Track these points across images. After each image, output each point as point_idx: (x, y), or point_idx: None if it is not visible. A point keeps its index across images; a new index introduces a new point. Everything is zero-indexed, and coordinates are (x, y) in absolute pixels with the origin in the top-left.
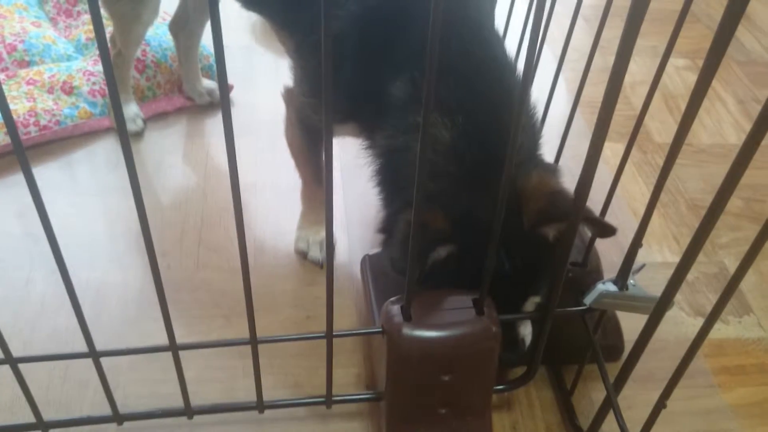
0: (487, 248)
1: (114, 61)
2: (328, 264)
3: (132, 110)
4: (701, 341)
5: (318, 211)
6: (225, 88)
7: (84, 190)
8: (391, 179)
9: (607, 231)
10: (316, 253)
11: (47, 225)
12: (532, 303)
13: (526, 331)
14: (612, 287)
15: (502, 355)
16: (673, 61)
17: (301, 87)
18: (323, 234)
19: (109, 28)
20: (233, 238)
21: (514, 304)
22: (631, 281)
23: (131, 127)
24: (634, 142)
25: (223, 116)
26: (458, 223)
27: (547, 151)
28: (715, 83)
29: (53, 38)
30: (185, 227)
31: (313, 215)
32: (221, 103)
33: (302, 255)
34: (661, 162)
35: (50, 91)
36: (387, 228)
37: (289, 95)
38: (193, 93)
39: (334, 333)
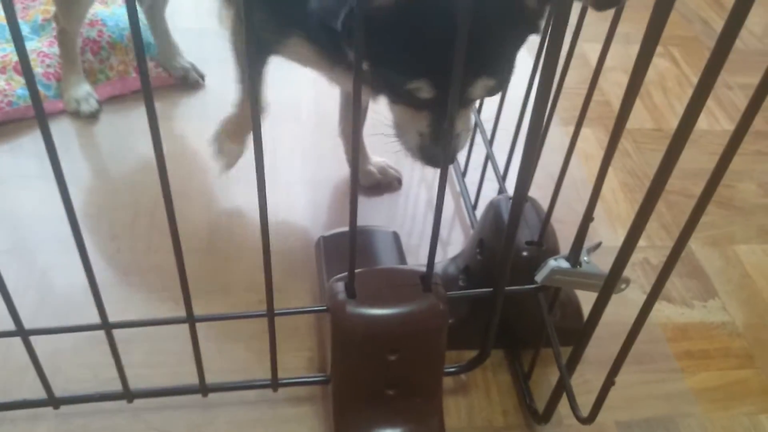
0: None
1: (59, 39)
2: (264, 240)
3: (84, 90)
4: (650, 307)
5: (242, 129)
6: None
7: (34, 173)
8: None
9: None
10: (223, 162)
11: None
12: (483, 86)
13: (465, 126)
14: (564, 264)
15: (432, 149)
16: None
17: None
18: (241, 149)
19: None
20: (188, 220)
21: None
22: (585, 258)
23: (84, 107)
24: (587, 106)
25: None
26: None
27: (507, 129)
28: (686, 69)
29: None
30: (138, 210)
31: (232, 126)
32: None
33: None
34: (629, 147)
35: (2, 71)
36: None
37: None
38: (168, 67)
39: (276, 311)
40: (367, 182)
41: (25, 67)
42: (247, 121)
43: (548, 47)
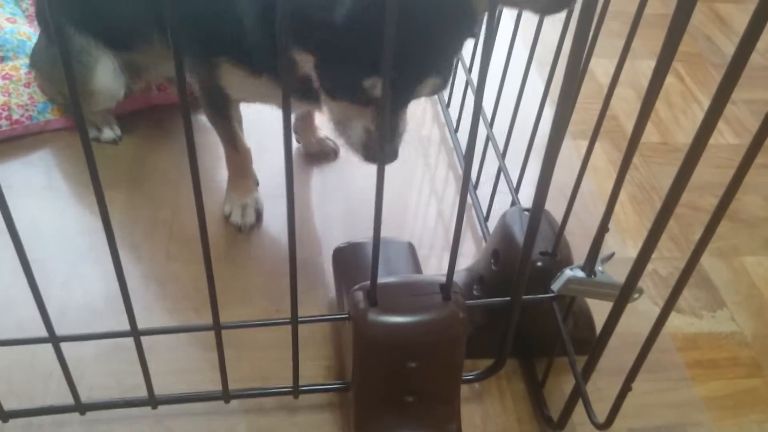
0: None
1: None
2: (290, 249)
3: (103, 117)
4: (664, 319)
5: (241, 174)
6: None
7: (55, 184)
8: None
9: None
10: (237, 217)
11: (7, 215)
12: (430, 84)
13: (405, 125)
14: (580, 273)
15: (375, 146)
16: (650, 63)
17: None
18: (247, 198)
19: None
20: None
21: (410, 78)
22: (599, 268)
23: (107, 134)
24: (599, 127)
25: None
26: None
27: (519, 142)
28: (691, 85)
29: (28, 34)
30: (156, 222)
31: (237, 179)
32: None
33: (227, 218)
34: (637, 161)
35: (27, 85)
36: None
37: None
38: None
39: (299, 319)
40: (306, 150)
41: (72, 90)
42: (240, 163)
43: (569, 63)
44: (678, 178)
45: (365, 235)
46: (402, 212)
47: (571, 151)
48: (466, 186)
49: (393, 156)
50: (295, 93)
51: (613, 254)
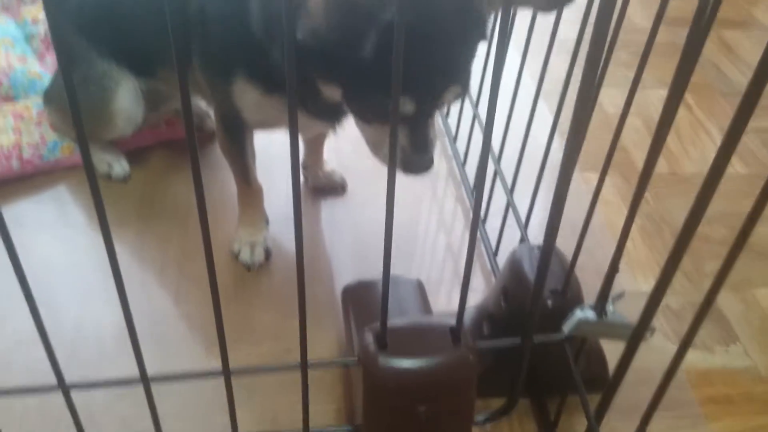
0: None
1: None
2: (300, 295)
3: (114, 152)
4: (680, 360)
5: (252, 212)
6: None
7: (66, 223)
8: None
9: None
10: (246, 256)
11: (14, 257)
12: (452, 93)
13: (434, 133)
14: (590, 314)
15: (412, 158)
16: (658, 92)
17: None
18: (257, 236)
19: None
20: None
21: (435, 89)
22: (610, 308)
23: (117, 170)
24: (609, 163)
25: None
26: None
27: (527, 175)
28: (699, 114)
29: (39, 73)
30: (165, 261)
31: (247, 217)
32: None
33: (236, 257)
34: (647, 193)
35: (38, 124)
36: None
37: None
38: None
39: (309, 363)
40: (313, 184)
41: (81, 137)
42: (251, 200)
43: (578, 98)
44: (692, 213)
45: (375, 269)
46: (410, 245)
47: (579, 184)
48: (475, 228)
49: (429, 163)
50: (310, 113)
51: (623, 293)
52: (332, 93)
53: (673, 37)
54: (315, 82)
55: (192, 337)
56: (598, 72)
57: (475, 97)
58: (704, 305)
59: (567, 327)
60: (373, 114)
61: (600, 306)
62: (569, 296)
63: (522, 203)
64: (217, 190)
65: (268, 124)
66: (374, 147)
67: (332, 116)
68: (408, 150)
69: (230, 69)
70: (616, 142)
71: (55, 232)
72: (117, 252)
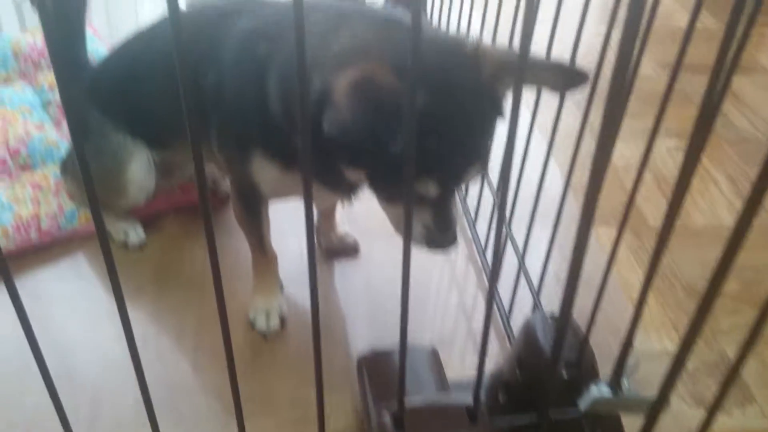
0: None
1: None
2: (317, 379)
3: (129, 219)
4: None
5: (267, 279)
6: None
7: (83, 294)
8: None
9: (578, 77)
10: (262, 323)
11: (30, 334)
12: (475, 170)
13: (456, 210)
14: (605, 390)
15: (437, 236)
16: (665, 142)
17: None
18: (272, 304)
19: None
20: (231, 340)
21: (457, 170)
22: (626, 383)
23: (133, 239)
24: (625, 226)
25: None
26: (405, 75)
27: (541, 236)
28: (706, 163)
29: (56, 141)
30: (182, 331)
31: (262, 284)
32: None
33: (252, 325)
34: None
35: (56, 194)
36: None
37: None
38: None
39: None
40: (326, 246)
41: (94, 209)
42: (265, 267)
43: (594, 160)
44: (716, 275)
45: (390, 332)
46: (422, 304)
47: (590, 240)
48: (490, 310)
49: (453, 240)
50: (327, 186)
51: (638, 364)
52: (356, 176)
53: (681, 85)
54: (336, 163)
55: (210, 408)
56: (618, 127)
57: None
58: (730, 376)
59: (583, 404)
60: (398, 196)
61: (615, 381)
62: (584, 367)
63: (532, 261)
64: (233, 255)
65: (284, 195)
66: (398, 226)
67: (348, 190)
68: (432, 228)
69: (248, 146)
70: (631, 206)
71: (73, 303)
72: (133, 321)
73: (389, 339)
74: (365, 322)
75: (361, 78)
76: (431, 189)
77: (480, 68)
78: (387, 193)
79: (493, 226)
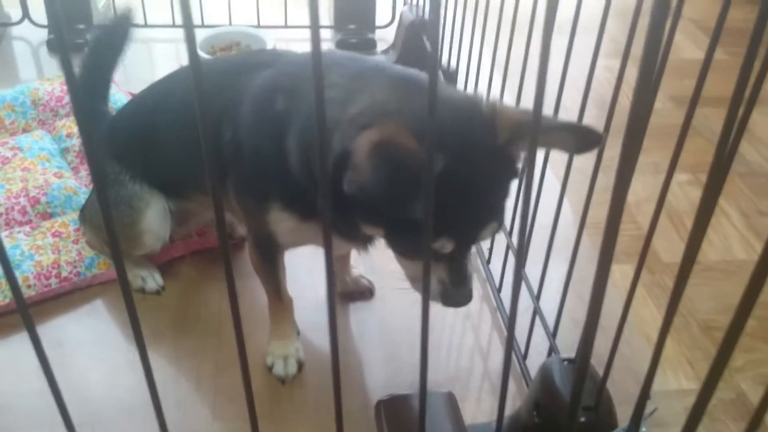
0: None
1: None
2: (337, 424)
3: (147, 266)
4: None
5: (284, 324)
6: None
7: (103, 341)
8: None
9: (591, 137)
10: (280, 369)
11: (53, 383)
12: (490, 230)
13: (471, 267)
14: None
15: (452, 292)
16: (676, 177)
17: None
18: (290, 349)
19: None
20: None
21: (474, 229)
22: (644, 429)
23: (151, 285)
24: (642, 266)
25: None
26: (421, 137)
27: (556, 275)
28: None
29: (74, 188)
30: (200, 376)
31: (279, 330)
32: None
33: (269, 370)
34: (670, 283)
35: (75, 242)
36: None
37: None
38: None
39: None
40: (341, 289)
41: (116, 256)
42: (282, 313)
43: (612, 202)
44: (739, 311)
45: (406, 375)
46: (436, 346)
47: None
48: (508, 367)
49: (468, 297)
50: (343, 237)
51: (655, 410)
52: (374, 232)
53: (692, 120)
54: (354, 218)
55: None
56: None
57: None
58: (754, 420)
59: None
60: (415, 252)
61: (634, 428)
62: (601, 411)
63: (544, 297)
64: (248, 298)
65: (301, 244)
66: (414, 281)
67: (365, 240)
68: (447, 284)
69: (266, 198)
70: (647, 249)
71: (93, 350)
72: (153, 368)
73: (404, 379)
74: (380, 364)
75: (381, 140)
76: (447, 247)
77: (496, 131)
78: (403, 248)
79: (508, 266)
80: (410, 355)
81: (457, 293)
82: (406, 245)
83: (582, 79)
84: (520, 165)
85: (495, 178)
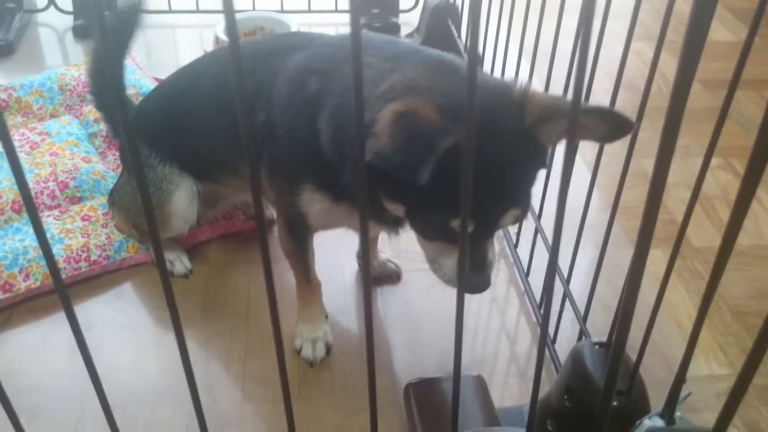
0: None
1: None
2: (371, 407)
3: (175, 250)
4: None
5: (312, 308)
6: None
7: (131, 323)
8: (350, 105)
9: (623, 125)
10: (308, 351)
11: (90, 366)
12: (512, 216)
13: (493, 254)
14: (659, 422)
15: (470, 277)
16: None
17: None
18: (318, 332)
19: None
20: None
21: (495, 212)
22: (678, 413)
23: (179, 268)
24: (676, 255)
25: None
26: (447, 114)
27: (582, 259)
28: None
29: (102, 173)
30: (230, 359)
31: (307, 313)
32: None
33: (297, 353)
34: (701, 268)
35: (105, 225)
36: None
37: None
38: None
39: None
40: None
41: (155, 239)
42: (311, 296)
43: (650, 189)
44: None
45: (433, 358)
46: (464, 330)
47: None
48: (541, 362)
49: (486, 284)
50: (374, 220)
51: (689, 394)
52: (396, 210)
53: (718, 102)
54: (380, 199)
55: None
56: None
57: None
58: None
59: None
60: (432, 232)
61: (668, 413)
62: (634, 397)
63: (573, 285)
64: (277, 283)
65: (331, 227)
66: (432, 263)
67: (394, 223)
68: (467, 269)
69: (298, 179)
70: (680, 240)
71: (122, 333)
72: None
73: (429, 362)
74: (405, 347)
75: (404, 109)
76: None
77: (524, 113)
78: (423, 227)
79: (536, 250)
80: (434, 339)
81: (474, 278)
82: (425, 224)
83: (609, 63)
84: (548, 152)
85: (519, 161)
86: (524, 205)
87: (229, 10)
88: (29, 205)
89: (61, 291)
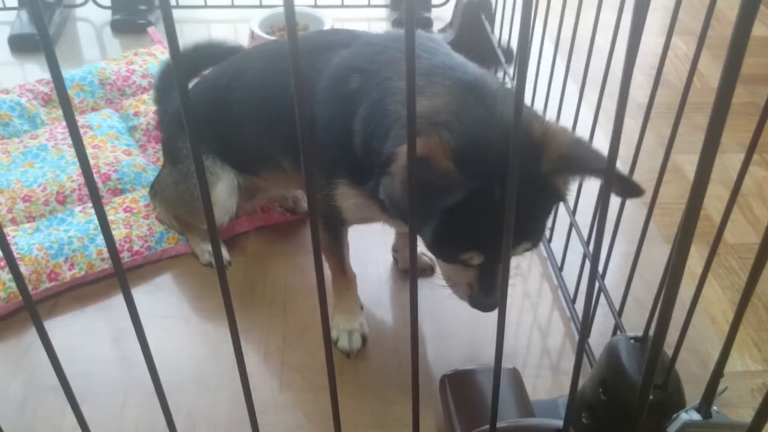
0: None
1: None
2: (414, 396)
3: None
4: None
5: (348, 300)
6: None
7: (172, 312)
8: (381, 114)
9: (635, 191)
10: (345, 342)
11: (146, 350)
12: (522, 249)
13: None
14: (695, 416)
15: (479, 296)
16: (739, 156)
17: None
18: (354, 323)
19: None
20: (315, 357)
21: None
22: (714, 407)
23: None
24: (714, 254)
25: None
26: (464, 156)
27: (615, 253)
28: None
29: (143, 166)
30: (267, 348)
31: (343, 305)
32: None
33: (334, 344)
34: (735, 264)
35: (146, 217)
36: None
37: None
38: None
39: None
40: (403, 266)
41: (212, 229)
42: (346, 288)
43: (693, 186)
44: None
45: (461, 353)
46: (495, 325)
47: (665, 258)
48: (581, 353)
49: (495, 305)
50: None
51: (725, 389)
52: None
53: (753, 97)
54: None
55: (297, 426)
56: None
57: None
58: None
59: (672, 429)
60: (445, 259)
61: (705, 407)
62: (670, 391)
63: (609, 281)
64: (312, 274)
65: (366, 221)
66: (448, 281)
67: None
68: (476, 289)
69: (334, 173)
70: (719, 239)
71: (164, 322)
72: (223, 341)
73: (458, 354)
74: (436, 339)
75: (418, 155)
76: (475, 259)
77: (541, 158)
78: (436, 252)
79: (571, 244)
80: (463, 331)
81: (483, 298)
82: (438, 250)
83: (642, 57)
84: (566, 191)
85: (532, 205)
86: (535, 239)
87: (289, 7)
88: (93, 193)
89: (121, 275)
